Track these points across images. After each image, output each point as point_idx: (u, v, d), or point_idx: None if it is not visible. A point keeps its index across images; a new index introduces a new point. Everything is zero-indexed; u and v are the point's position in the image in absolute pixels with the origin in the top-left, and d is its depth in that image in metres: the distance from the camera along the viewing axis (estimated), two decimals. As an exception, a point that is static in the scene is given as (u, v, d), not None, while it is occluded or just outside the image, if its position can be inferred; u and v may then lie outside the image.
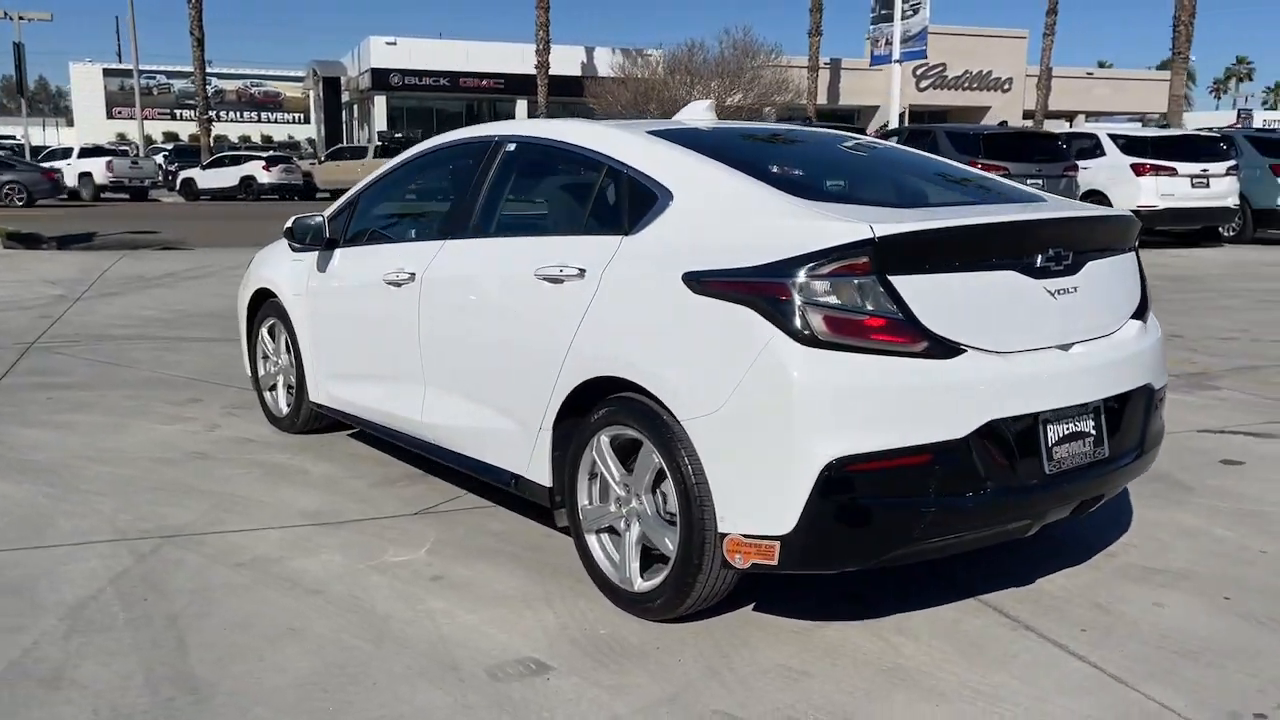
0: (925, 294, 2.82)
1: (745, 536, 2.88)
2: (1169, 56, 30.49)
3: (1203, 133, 17.20)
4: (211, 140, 41.79)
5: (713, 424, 2.89)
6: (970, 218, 3.01)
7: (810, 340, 2.76)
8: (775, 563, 2.85)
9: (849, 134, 4.40)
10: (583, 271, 3.36)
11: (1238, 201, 15.60)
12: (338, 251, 4.76)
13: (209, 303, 9.95)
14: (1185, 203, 14.84)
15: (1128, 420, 3.27)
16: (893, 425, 2.77)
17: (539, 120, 4.08)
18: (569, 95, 43.71)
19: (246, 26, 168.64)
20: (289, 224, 4.79)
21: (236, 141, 55.97)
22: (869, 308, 2.78)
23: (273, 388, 5.50)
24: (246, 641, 3.10)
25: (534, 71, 39.97)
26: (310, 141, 57.38)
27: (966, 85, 47.47)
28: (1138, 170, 14.87)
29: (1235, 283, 12.32)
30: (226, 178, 34.72)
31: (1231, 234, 16.50)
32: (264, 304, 5.43)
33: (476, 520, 4.16)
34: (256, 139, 62.08)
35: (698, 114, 4.16)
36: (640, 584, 3.24)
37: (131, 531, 3.97)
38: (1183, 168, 14.92)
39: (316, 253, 4.89)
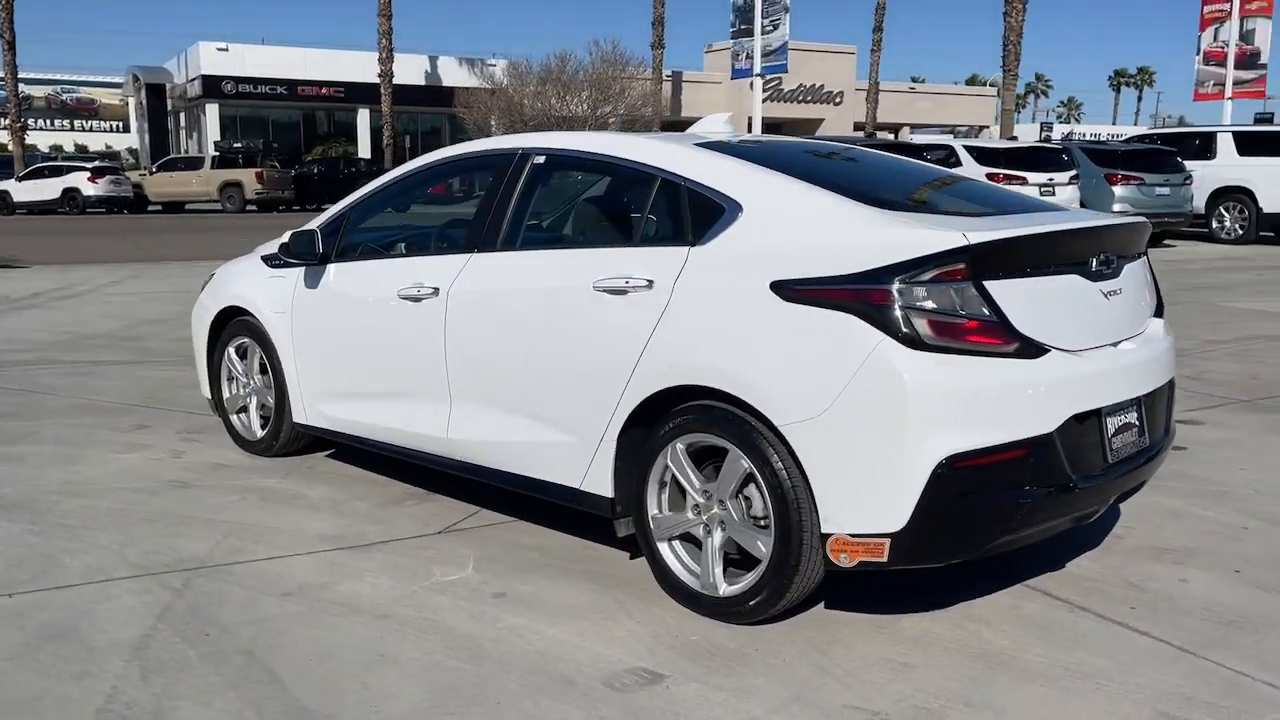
0: (1013, 297, 3.00)
1: (852, 536, 2.99)
2: (972, 74, 32.28)
3: (1046, 144, 18.41)
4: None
5: (816, 428, 2.98)
6: (1042, 225, 3.20)
7: (916, 343, 2.89)
8: (885, 559, 2.97)
9: (862, 146, 4.57)
10: (651, 283, 3.39)
11: (1079, 208, 16.78)
12: (331, 267, 4.61)
13: (100, 324, 9.38)
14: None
15: (1158, 412, 3.54)
16: (994, 422, 2.93)
17: (569, 133, 4.08)
18: (415, 104, 43.14)
19: (56, 31, 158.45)
20: (287, 239, 4.62)
21: (48, 151, 52.58)
22: (967, 311, 2.93)
23: (242, 410, 5.27)
24: (341, 671, 3.00)
25: (377, 80, 39.18)
26: (132, 151, 54.40)
27: (801, 98, 49.12)
28: (992, 179, 15.79)
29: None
30: (47, 190, 32.56)
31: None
32: (230, 323, 5.20)
33: (504, 536, 4.13)
34: (70, 148, 58.45)
35: (718, 126, 4.25)
36: (725, 589, 3.29)
37: (152, 566, 3.77)
38: (1032, 177, 15.97)
39: (302, 269, 4.74)
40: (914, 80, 70.89)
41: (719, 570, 3.32)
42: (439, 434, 4.14)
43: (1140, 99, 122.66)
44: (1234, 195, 18.30)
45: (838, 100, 50.17)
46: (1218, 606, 3.45)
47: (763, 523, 3.21)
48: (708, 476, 3.35)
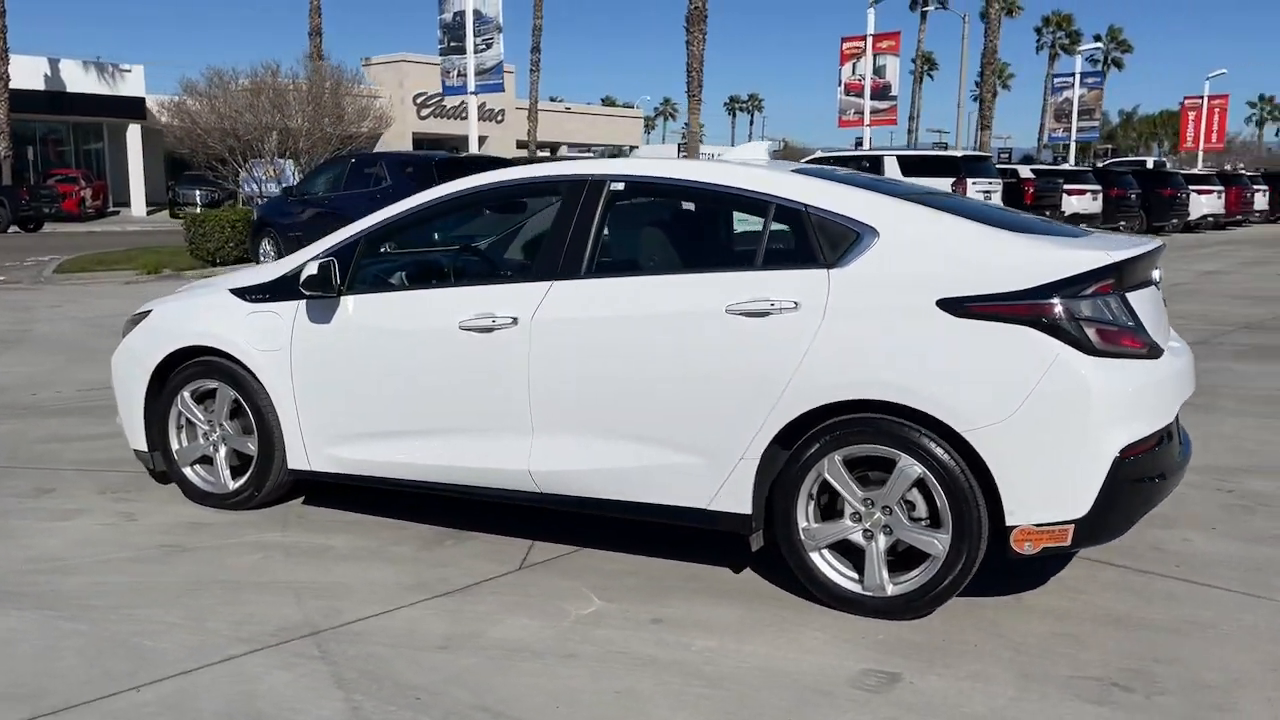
0: (1139, 306, 3.49)
1: (1037, 525, 3.34)
2: (606, 95, 33.80)
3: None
4: None
5: (1001, 431, 3.30)
6: (1140, 246, 3.70)
7: (1089, 350, 3.29)
8: (1068, 543, 3.34)
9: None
10: (797, 304, 3.55)
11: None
12: (349, 300, 4.30)
13: None
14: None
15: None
16: (1145, 415, 3.40)
17: (647, 161, 4.08)
18: (31, 111, 38.55)
19: None
20: (313, 272, 4.21)
21: None
22: (1119, 320, 3.38)
23: (201, 461, 4.75)
24: (601, 714, 2.93)
25: (-16, 82, 34.56)
26: None
27: (464, 115, 49.09)
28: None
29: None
30: None
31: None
32: (184, 366, 4.67)
33: (588, 564, 4.08)
34: None
35: (759, 154, 4.43)
36: (892, 589, 3.53)
37: (260, 637, 3.39)
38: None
39: (299, 303, 4.38)
40: (553, 99, 73.25)
41: (885, 573, 3.54)
42: (516, 467, 4.02)
43: (752, 122, 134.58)
44: (902, 211, 20.86)
45: (500, 118, 50.73)
46: (1234, 558, 4.14)
47: (926, 523, 3.48)
48: (869, 486, 3.55)
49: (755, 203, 3.81)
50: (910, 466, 3.44)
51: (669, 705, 2.97)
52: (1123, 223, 28.62)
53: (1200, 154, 50.72)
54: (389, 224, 4.38)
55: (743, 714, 2.93)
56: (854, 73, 30.39)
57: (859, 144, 42.73)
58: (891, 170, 21.21)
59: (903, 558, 3.57)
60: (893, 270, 3.51)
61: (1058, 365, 3.28)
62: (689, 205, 4.09)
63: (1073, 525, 3.33)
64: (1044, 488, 3.32)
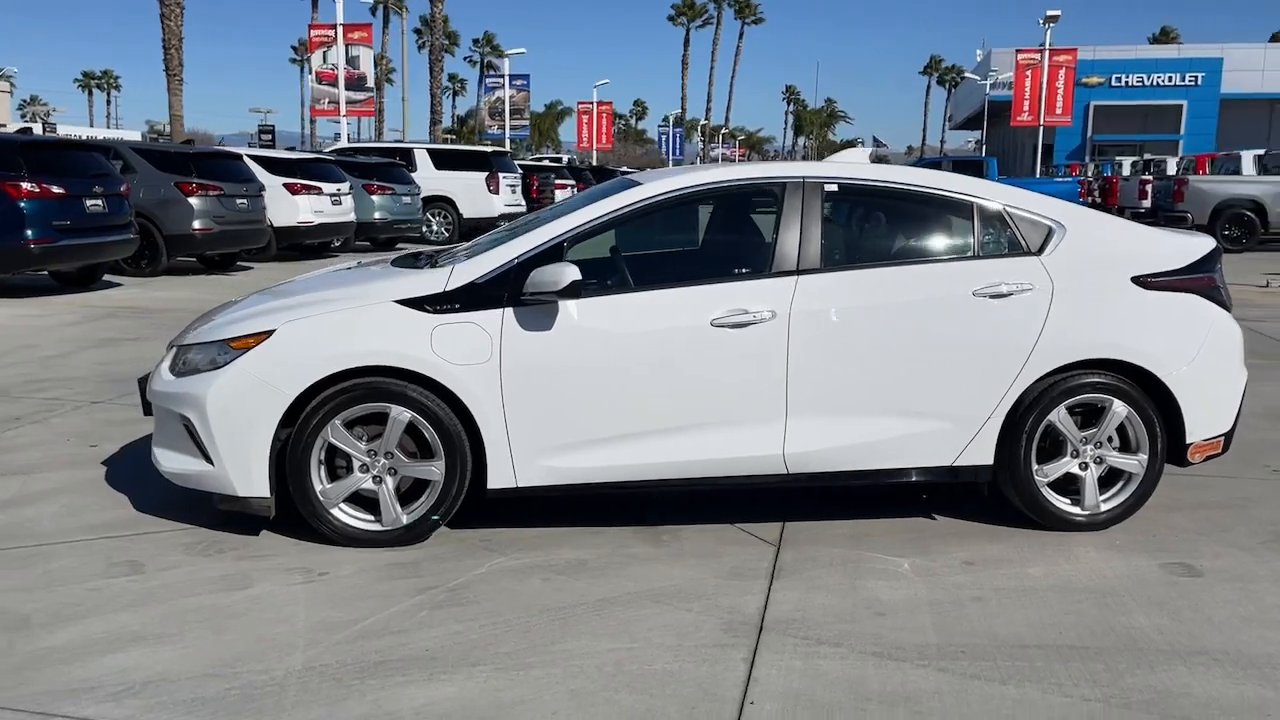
0: (1210, 279, 4.82)
1: (1204, 440, 4.50)
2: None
3: (326, 157, 18.95)
4: None
5: (1186, 373, 4.39)
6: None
7: (1227, 309, 4.54)
8: (1220, 451, 4.56)
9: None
10: (1033, 286, 4.33)
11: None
12: (571, 304, 4.12)
13: None
14: (329, 219, 16.65)
15: None
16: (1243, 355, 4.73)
17: (857, 165, 4.42)
18: None
19: None
20: (577, 277, 3.94)
21: None
22: (1225, 287, 4.66)
23: (350, 500, 4.16)
24: (1091, 626, 3.51)
25: None
26: None
27: None
28: (291, 189, 16.04)
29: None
30: None
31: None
32: (335, 391, 4.06)
33: (822, 533, 4.42)
34: None
35: (861, 158, 4.98)
36: (1104, 507, 4.48)
37: (732, 640, 3.38)
38: (326, 187, 16.58)
39: (505, 310, 4.11)
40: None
41: (1098, 494, 4.47)
42: (768, 452, 4.25)
43: (109, 102, 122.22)
44: (438, 204, 21.23)
45: None
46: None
47: (1120, 449, 4.48)
48: (1084, 427, 4.43)
49: (958, 203, 4.48)
50: (1120, 407, 4.40)
51: (1114, 611, 3.64)
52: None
53: (595, 152, 57.39)
54: (599, 224, 4.28)
55: (1167, 607, 3.69)
56: (325, 62, 29.82)
57: (336, 137, 41.59)
58: (424, 163, 21.53)
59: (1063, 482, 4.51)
60: (1089, 255, 4.44)
61: (1218, 322, 4.48)
62: (897, 204, 4.58)
63: (1224, 437, 4.56)
64: (1211, 411, 4.50)
